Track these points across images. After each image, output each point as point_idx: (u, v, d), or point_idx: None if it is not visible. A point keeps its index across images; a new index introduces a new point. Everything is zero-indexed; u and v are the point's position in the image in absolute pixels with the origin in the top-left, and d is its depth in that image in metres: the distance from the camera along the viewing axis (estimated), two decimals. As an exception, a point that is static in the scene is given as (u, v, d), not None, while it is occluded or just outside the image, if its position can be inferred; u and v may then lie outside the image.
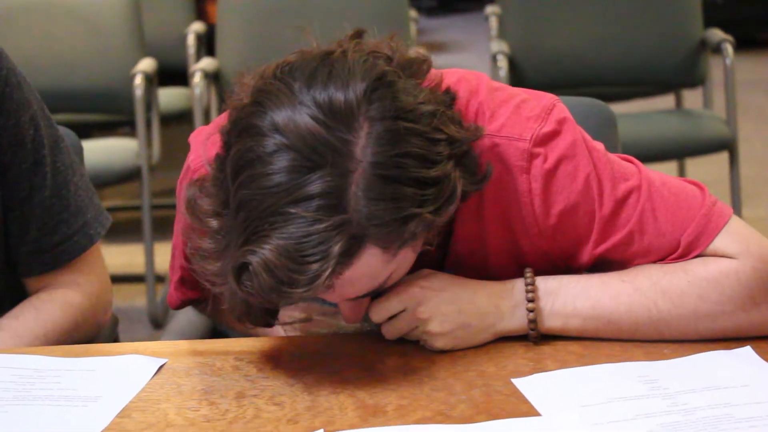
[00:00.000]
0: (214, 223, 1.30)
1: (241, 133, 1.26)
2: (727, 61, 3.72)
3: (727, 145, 3.68)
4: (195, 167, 1.49)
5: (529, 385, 1.30)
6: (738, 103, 3.77)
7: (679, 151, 3.83)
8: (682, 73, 3.84)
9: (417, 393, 1.30)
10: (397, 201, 1.23)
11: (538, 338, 1.41)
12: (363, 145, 1.22)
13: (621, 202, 1.39)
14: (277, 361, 1.40)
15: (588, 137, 1.42)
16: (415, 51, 1.36)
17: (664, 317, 1.38)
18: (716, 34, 3.80)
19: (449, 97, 1.35)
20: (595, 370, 1.33)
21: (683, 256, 1.39)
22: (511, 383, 1.31)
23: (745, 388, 1.27)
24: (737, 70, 3.76)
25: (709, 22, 3.88)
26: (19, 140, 1.62)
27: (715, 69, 3.94)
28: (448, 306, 1.39)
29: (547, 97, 1.43)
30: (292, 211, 1.20)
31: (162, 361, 1.41)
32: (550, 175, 1.39)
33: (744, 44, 5.01)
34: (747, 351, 1.36)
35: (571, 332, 1.41)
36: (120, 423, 1.26)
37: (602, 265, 1.43)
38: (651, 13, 3.80)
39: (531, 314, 1.40)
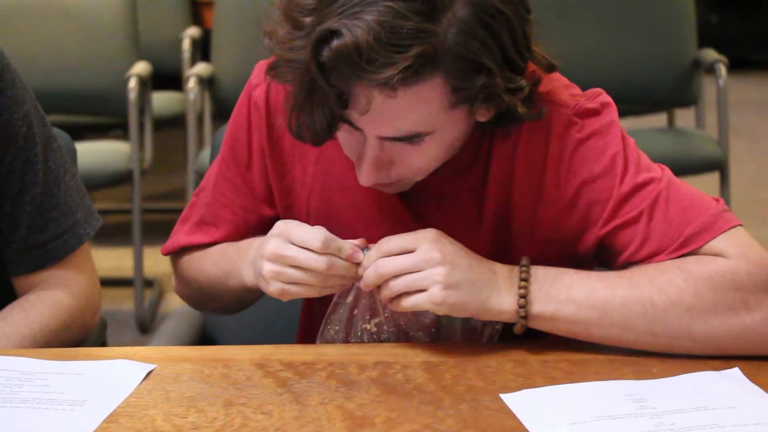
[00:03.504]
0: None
1: None
2: (720, 82, 3.74)
3: (718, 165, 3.69)
4: (256, 82, 1.58)
5: (517, 401, 1.30)
6: (730, 123, 3.79)
7: (670, 170, 3.82)
8: (675, 92, 3.85)
9: (405, 406, 1.29)
10: (482, 47, 1.30)
11: (524, 326, 1.40)
12: None
13: (640, 186, 1.44)
14: (266, 369, 1.40)
15: (624, 131, 1.48)
16: None
17: (659, 314, 1.38)
18: (710, 54, 3.81)
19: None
20: (583, 388, 1.33)
21: (681, 248, 1.41)
22: (500, 399, 1.30)
23: (733, 410, 1.27)
24: (730, 90, 3.78)
25: (703, 42, 3.90)
26: (12, 137, 1.62)
27: (708, 89, 3.95)
28: (461, 257, 1.39)
29: (597, 89, 1.51)
30: (392, 2, 1.26)
31: (151, 366, 1.40)
32: (580, 143, 1.47)
33: (737, 65, 5.02)
34: (735, 372, 1.36)
35: (562, 321, 1.40)
36: (107, 428, 1.25)
37: (601, 253, 1.47)
38: (645, 31, 3.81)
39: (522, 290, 1.39)
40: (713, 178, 3.73)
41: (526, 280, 1.40)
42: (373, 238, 1.42)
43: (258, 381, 1.37)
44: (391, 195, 1.52)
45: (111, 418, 1.27)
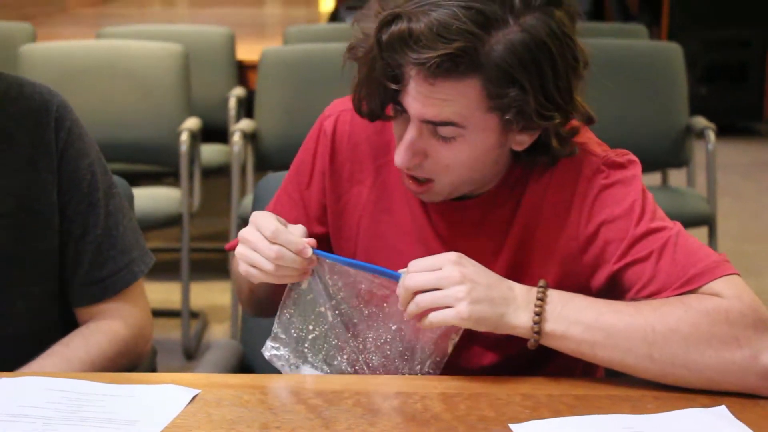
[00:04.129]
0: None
1: None
2: (709, 146, 3.72)
3: (707, 220, 3.67)
4: (328, 114, 1.62)
5: (525, 431, 1.28)
6: (717, 183, 3.77)
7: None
8: (668, 155, 3.83)
9: (424, 432, 1.29)
10: (522, 66, 1.35)
11: (537, 341, 1.39)
12: (535, 19, 1.35)
13: (652, 231, 1.45)
14: (299, 396, 1.39)
15: (645, 186, 1.50)
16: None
17: (658, 340, 1.37)
18: (700, 121, 3.80)
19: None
20: (586, 420, 1.32)
21: (684, 286, 1.41)
22: (509, 428, 1.29)
23: (719, 443, 1.26)
24: (718, 153, 3.76)
25: (694, 110, 3.89)
26: (77, 184, 1.63)
27: (698, 152, 3.94)
28: (481, 276, 1.39)
29: (626, 150, 1.53)
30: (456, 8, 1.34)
31: (195, 391, 1.40)
32: (605, 188, 1.48)
33: (725, 131, 5.01)
34: (722, 409, 1.34)
35: (571, 340, 1.39)
36: (155, 446, 1.25)
37: (611, 289, 1.46)
38: (643, 100, 3.81)
39: (537, 309, 1.38)
40: (702, 232, 3.71)
41: (542, 299, 1.39)
42: (411, 256, 1.43)
43: (291, 407, 1.36)
44: (427, 220, 1.54)
45: (159, 437, 1.27)
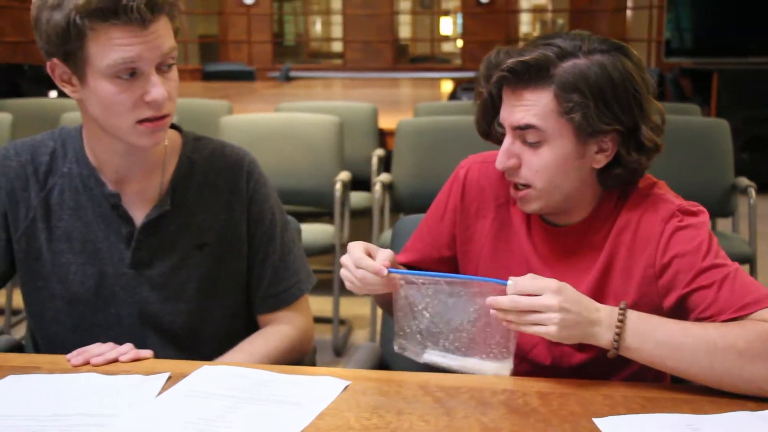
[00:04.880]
0: None
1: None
2: (751, 201, 3.59)
3: (748, 260, 3.53)
4: (463, 164, 1.62)
5: (606, 424, 1.24)
6: (758, 230, 3.63)
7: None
8: (718, 207, 3.71)
9: (524, 423, 1.26)
10: (585, 81, 1.37)
11: (616, 353, 1.34)
12: (601, 56, 1.38)
13: (716, 266, 1.40)
14: (426, 389, 1.37)
15: (711, 232, 1.45)
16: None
17: (719, 353, 1.31)
18: (743, 181, 3.67)
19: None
20: (654, 417, 1.27)
21: (739, 311, 1.35)
22: (593, 422, 1.25)
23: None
24: (758, 206, 3.62)
25: (738, 172, 3.77)
26: (261, 221, 1.65)
27: (741, 205, 3.80)
28: (574, 305, 1.33)
29: (697, 203, 1.49)
30: (548, 41, 1.40)
31: (347, 382, 1.40)
32: (678, 230, 1.43)
33: (763, 188, 4.81)
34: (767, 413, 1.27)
35: (645, 353, 1.33)
36: (316, 423, 1.25)
37: (679, 310, 1.40)
38: (697, 164, 3.71)
39: (618, 328, 1.34)
40: (744, 269, 3.56)
41: (622, 320, 1.34)
42: (517, 273, 1.40)
43: (421, 398, 1.34)
44: (532, 245, 1.52)
45: (319, 416, 1.27)
